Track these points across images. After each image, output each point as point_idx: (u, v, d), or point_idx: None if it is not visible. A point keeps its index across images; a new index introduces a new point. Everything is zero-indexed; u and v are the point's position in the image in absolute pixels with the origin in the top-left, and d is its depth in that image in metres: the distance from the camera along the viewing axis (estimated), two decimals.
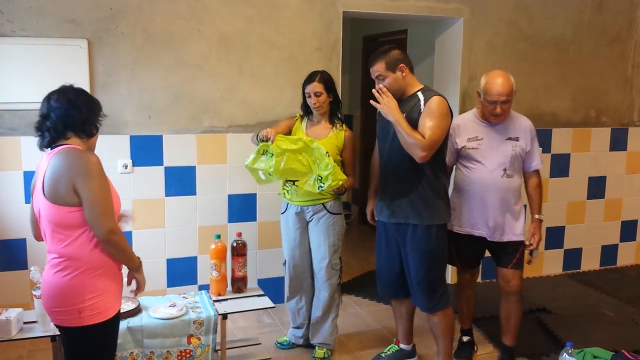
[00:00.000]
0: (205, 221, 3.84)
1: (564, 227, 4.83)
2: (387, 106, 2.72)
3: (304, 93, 3.19)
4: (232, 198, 3.89)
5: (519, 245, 3.14)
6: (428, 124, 2.69)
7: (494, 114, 3.00)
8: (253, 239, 3.92)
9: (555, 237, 4.81)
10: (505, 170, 3.05)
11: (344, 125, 3.22)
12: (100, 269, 2.02)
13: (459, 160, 3.16)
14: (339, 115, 3.24)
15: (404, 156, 2.80)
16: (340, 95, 3.48)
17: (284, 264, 3.38)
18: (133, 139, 3.60)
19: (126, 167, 3.60)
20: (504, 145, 3.06)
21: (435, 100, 2.73)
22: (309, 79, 3.15)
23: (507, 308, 3.23)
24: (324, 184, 2.93)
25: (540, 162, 3.16)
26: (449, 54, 4.43)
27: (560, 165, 4.72)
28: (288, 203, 3.28)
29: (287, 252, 3.34)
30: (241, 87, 3.81)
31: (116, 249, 2.03)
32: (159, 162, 3.68)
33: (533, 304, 4.12)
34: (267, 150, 2.98)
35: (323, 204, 3.20)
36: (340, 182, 2.95)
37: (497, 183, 3.05)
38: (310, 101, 3.14)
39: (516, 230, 3.12)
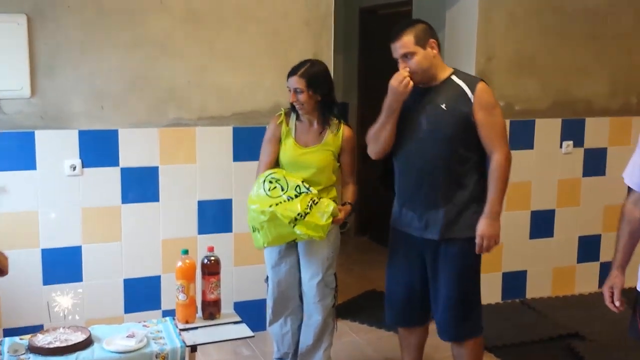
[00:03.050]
0: (170, 233, 3.84)
1: (600, 235, 4.85)
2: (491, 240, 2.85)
3: None
4: (203, 205, 3.89)
5: None
6: (491, 120, 2.83)
7: None
8: (228, 255, 3.92)
9: (589, 247, 4.84)
10: None
11: (341, 125, 3.24)
12: None
13: None
14: (335, 113, 3.25)
15: (441, 159, 2.87)
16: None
17: (266, 280, 3.38)
18: (82, 134, 3.58)
19: (74, 168, 3.58)
20: None
21: (483, 88, 2.85)
22: (291, 71, 3.15)
23: None
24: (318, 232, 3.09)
25: None
26: (462, 29, 4.43)
27: (596, 162, 4.74)
28: None
29: (270, 266, 3.34)
30: (213, 70, 3.79)
31: None
32: (114, 162, 3.68)
33: (564, 328, 4.15)
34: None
35: None
36: (330, 209, 3.08)
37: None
38: (290, 97, 3.17)
39: None
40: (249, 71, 3.86)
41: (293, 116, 3.25)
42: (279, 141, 3.26)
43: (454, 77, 2.90)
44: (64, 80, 3.54)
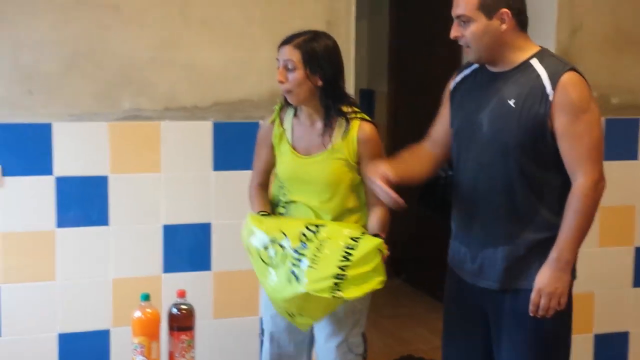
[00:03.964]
0: (124, 270, 3.84)
1: None
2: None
3: None
4: (170, 231, 3.89)
5: None
6: (577, 129, 2.71)
7: None
8: (206, 302, 3.92)
9: None
10: None
11: (356, 121, 3.17)
12: None
13: None
14: (342, 107, 3.20)
15: (502, 178, 2.82)
16: (351, 61, 3.55)
17: (261, 334, 3.40)
18: (2, 129, 3.60)
19: None
20: None
21: (569, 81, 2.71)
22: (284, 40, 3.17)
23: None
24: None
25: None
26: None
27: None
28: None
29: (268, 314, 3.34)
30: (186, 43, 3.82)
31: None
32: (46, 169, 3.67)
33: None
34: None
35: None
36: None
37: None
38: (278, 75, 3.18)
39: None
40: (236, 44, 3.88)
41: (290, 111, 3.26)
42: (272, 147, 3.30)
43: (534, 61, 2.79)
44: None
